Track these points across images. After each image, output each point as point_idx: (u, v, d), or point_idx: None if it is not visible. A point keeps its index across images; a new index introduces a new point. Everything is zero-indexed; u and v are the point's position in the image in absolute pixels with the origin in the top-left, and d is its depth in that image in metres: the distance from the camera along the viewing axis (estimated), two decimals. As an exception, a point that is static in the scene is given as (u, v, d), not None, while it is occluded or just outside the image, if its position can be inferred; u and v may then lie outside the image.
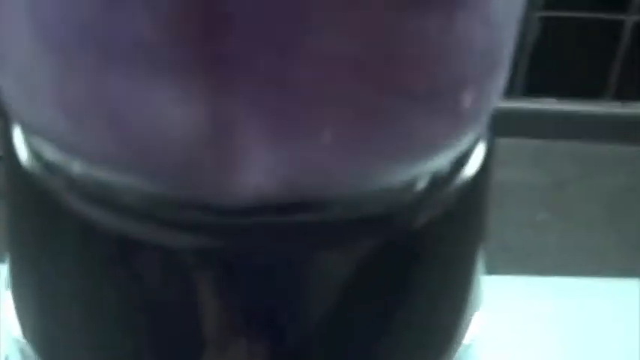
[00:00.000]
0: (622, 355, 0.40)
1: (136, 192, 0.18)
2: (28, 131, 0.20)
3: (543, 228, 0.86)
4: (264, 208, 0.18)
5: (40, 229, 0.21)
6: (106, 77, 0.17)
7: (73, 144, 0.19)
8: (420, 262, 0.21)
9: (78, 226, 0.19)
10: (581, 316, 0.41)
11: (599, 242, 0.86)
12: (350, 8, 0.17)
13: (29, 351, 0.23)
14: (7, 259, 0.23)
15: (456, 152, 0.20)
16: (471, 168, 0.20)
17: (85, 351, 0.21)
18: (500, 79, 0.21)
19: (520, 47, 0.90)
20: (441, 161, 0.20)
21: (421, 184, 0.20)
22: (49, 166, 0.19)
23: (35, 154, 0.20)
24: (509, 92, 0.93)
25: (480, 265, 0.23)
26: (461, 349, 0.23)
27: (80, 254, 0.20)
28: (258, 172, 0.18)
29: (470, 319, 0.23)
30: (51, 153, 0.19)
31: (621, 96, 0.94)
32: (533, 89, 0.92)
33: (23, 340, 0.23)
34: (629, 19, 0.87)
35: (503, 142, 0.90)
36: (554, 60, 0.91)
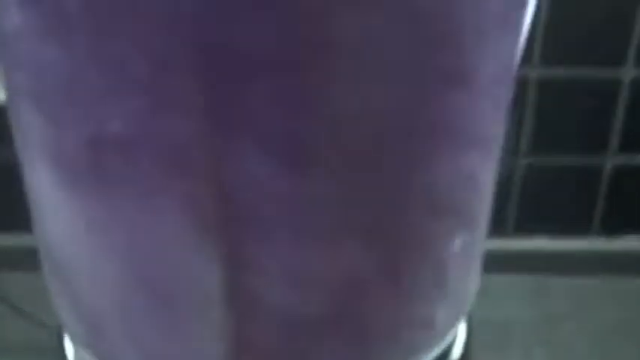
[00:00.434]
0: None
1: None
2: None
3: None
4: None
5: None
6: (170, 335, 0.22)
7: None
8: None
9: None
10: None
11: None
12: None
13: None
14: None
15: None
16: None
17: None
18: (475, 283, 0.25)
19: (508, 191, 0.96)
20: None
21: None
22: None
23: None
24: (502, 232, 0.99)
25: None
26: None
27: None
28: None
29: None
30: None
31: (606, 232, 1.00)
32: (523, 229, 0.98)
33: None
34: (609, 162, 0.94)
35: (497, 279, 0.95)
36: (541, 201, 0.97)
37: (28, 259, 0.88)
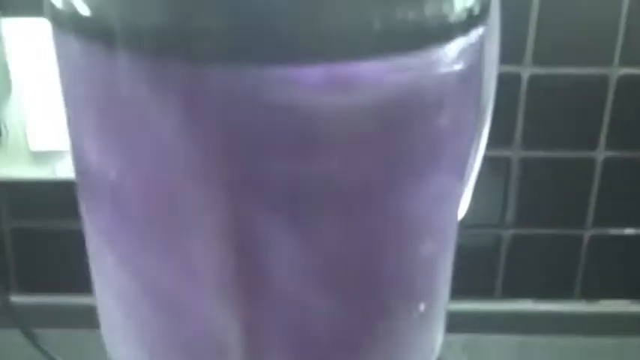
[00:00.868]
0: None
1: None
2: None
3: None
4: None
5: None
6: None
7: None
8: None
9: None
10: None
11: None
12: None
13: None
14: None
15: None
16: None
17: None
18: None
19: (496, 260, 1.06)
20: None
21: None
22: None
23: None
24: (490, 296, 1.09)
25: None
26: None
27: None
28: None
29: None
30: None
31: (586, 296, 1.10)
32: (510, 293, 1.08)
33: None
34: (587, 233, 1.04)
35: (487, 338, 1.05)
36: (526, 268, 1.07)
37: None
